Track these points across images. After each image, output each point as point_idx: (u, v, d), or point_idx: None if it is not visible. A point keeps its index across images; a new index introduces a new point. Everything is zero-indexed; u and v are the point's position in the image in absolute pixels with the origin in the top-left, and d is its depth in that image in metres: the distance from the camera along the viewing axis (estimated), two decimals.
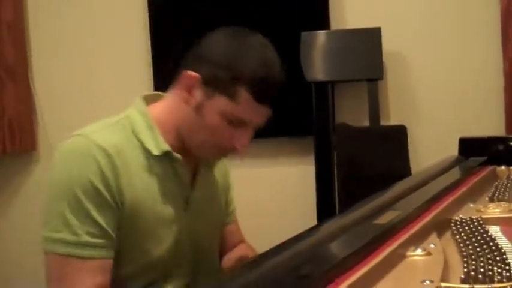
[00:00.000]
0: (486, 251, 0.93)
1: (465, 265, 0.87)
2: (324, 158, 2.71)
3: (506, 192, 1.43)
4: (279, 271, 0.75)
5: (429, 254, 0.95)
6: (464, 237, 1.03)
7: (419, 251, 0.95)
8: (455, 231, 1.08)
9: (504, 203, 1.29)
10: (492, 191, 1.45)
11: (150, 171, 1.27)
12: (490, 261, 0.87)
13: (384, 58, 2.75)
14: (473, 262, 0.88)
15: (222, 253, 1.50)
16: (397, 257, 0.92)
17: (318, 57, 2.76)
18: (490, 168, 1.73)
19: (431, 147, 2.74)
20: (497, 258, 0.89)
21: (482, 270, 0.83)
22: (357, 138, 2.64)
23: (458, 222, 1.14)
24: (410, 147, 2.66)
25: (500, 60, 2.83)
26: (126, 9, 3.22)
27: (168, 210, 1.30)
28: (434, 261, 0.91)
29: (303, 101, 2.77)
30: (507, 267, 0.84)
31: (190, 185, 1.35)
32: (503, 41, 2.82)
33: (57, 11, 3.31)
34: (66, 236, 1.18)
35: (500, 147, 1.74)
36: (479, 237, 1.01)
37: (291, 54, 2.72)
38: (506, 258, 0.89)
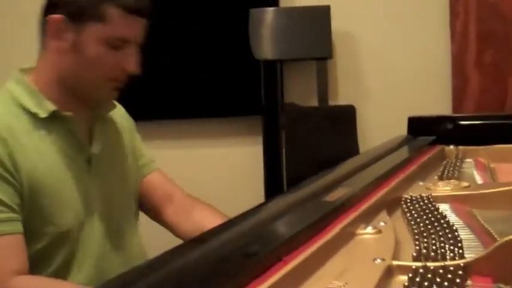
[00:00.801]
0: (437, 228, 0.91)
1: (416, 243, 0.84)
2: (272, 138, 2.67)
3: (456, 171, 1.41)
4: (225, 250, 0.70)
5: (379, 232, 0.91)
6: (415, 215, 1.00)
7: (369, 229, 0.92)
8: (405, 209, 1.06)
9: (454, 180, 1.27)
10: (441, 169, 1.44)
11: (41, 137, 1.23)
12: (441, 239, 0.84)
13: (334, 37, 2.72)
14: (425, 240, 0.85)
15: (153, 208, 1.46)
16: (347, 235, 0.88)
17: (266, 35, 2.71)
18: (438, 147, 1.72)
19: (380, 128, 2.73)
20: (449, 235, 0.86)
21: (434, 247, 0.81)
22: (306, 118, 2.61)
23: (408, 200, 1.11)
24: (358, 128, 2.65)
25: (448, 40, 2.84)
26: None
27: (68, 174, 1.25)
28: (385, 239, 0.88)
29: (251, 79, 2.72)
30: (459, 244, 0.81)
31: (89, 143, 1.30)
32: (451, 21, 2.83)
33: None
34: None
35: (449, 126, 1.73)
36: (429, 215, 0.99)
37: (240, 31, 2.66)
38: (458, 235, 0.87)
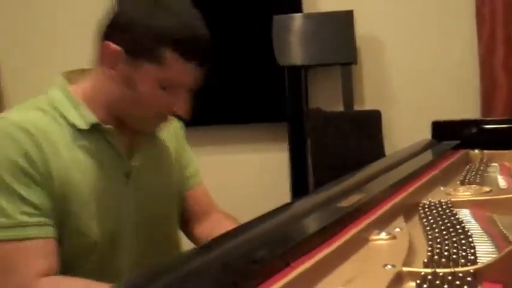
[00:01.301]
0: (452, 234, 0.89)
1: (429, 249, 0.83)
2: (298, 143, 2.67)
3: (478, 176, 1.39)
4: (231, 256, 0.70)
5: (394, 238, 0.90)
6: (431, 221, 0.99)
7: (383, 235, 0.91)
8: (422, 215, 1.04)
9: (475, 186, 1.25)
10: (463, 174, 1.42)
11: (79, 147, 1.22)
12: (455, 245, 0.83)
13: (358, 42, 2.71)
14: (438, 246, 0.84)
15: (188, 221, 1.44)
16: (359, 241, 0.88)
17: (290, 41, 2.71)
18: (463, 151, 1.70)
19: (405, 132, 2.70)
20: (463, 241, 0.85)
21: (446, 253, 0.80)
22: (331, 124, 2.60)
23: (426, 206, 1.10)
24: (384, 132, 2.63)
25: (475, 44, 2.81)
26: None
27: (104, 186, 1.23)
28: (398, 245, 0.87)
29: (276, 86, 2.72)
30: (472, 251, 0.80)
31: (128, 157, 1.28)
32: (478, 24, 2.80)
33: None
34: (1, 220, 1.12)
35: (473, 130, 1.71)
36: (446, 221, 0.98)
37: (264, 38, 2.67)
38: (472, 242, 0.85)
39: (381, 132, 2.59)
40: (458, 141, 1.72)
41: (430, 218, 1.01)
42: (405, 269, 0.75)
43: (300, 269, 0.69)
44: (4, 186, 1.14)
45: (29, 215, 1.14)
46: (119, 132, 1.26)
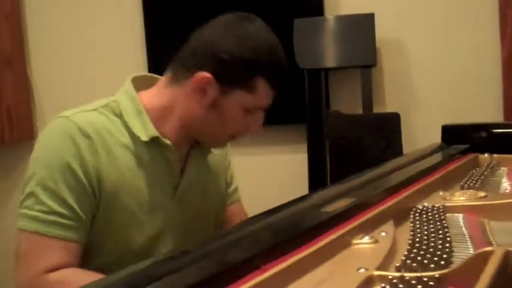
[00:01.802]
0: (432, 239, 0.92)
1: (406, 253, 0.86)
2: (317, 145, 2.69)
3: (480, 180, 1.40)
4: (204, 259, 0.74)
5: (376, 242, 0.93)
6: (418, 226, 1.01)
7: (366, 239, 0.93)
8: (411, 219, 1.07)
9: (472, 190, 1.26)
10: (466, 178, 1.43)
11: (136, 157, 1.26)
12: (430, 250, 0.85)
13: (379, 45, 2.72)
14: (415, 250, 0.86)
15: None
16: (341, 245, 0.91)
17: (311, 44, 2.73)
18: (472, 155, 1.70)
19: (425, 135, 2.70)
20: (440, 246, 0.87)
21: (419, 258, 0.82)
22: (350, 126, 2.62)
23: (418, 211, 1.12)
24: (404, 135, 2.63)
25: (497, 45, 2.79)
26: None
27: (153, 197, 1.28)
28: (378, 249, 0.89)
29: (295, 88, 2.75)
30: (445, 256, 0.82)
31: (181, 172, 1.34)
32: (501, 26, 2.77)
33: (53, 1, 3.31)
34: (37, 213, 1.19)
35: (483, 134, 1.71)
36: (431, 226, 1.00)
37: (285, 41, 2.69)
38: (450, 247, 0.87)
39: (400, 135, 2.59)
40: (467, 145, 1.72)
41: (417, 222, 1.03)
42: (376, 272, 0.78)
43: (271, 271, 0.73)
44: (51, 184, 1.19)
45: (62, 216, 1.19)
46: (176, 147, 1.31)
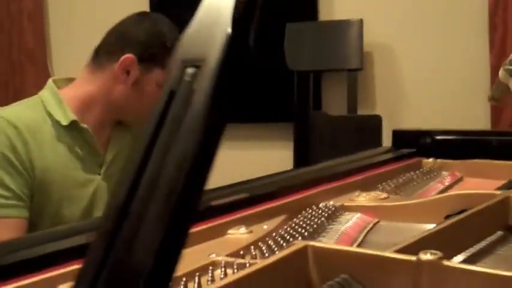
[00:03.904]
0: (292, 232, 1.04)
1: (259, 243, 0.98)
2: (302, 143, 2.82)
3: (398, 183, 1.50)
4: None
5: (250, 232, 1.06)
6: (297, 220, 1.13)
7: (242, 230, 1.06)
8: (299, 215, 1.18)
9: (376, 192, 1.37)
10: (388, 181, 1.53)
11: (60, 141, 1.46)
12: (279, 240, 0.98)
13: (367, 49, 2.82)
14: (270, 242, 0.99)
15: None
16: (215, 234, 1.04)
17: (301, 47, 2.86)
18: (416, 159, 1.80)
19: None
20: (289, 238, 0.99)
21: (263, 246, 0.95)
22: (334, 126, 2.73)
23: (310, 209, 1.22)
24: (386, 137, 2.73)
25: (486, 53, 2.84)
26: None
27: (79, 175, 1.48)
28: (244, 239, 1.02)
29: (284, 88, 2.88)
30: (276, 248, 0.94)
31: (105, 150, 1.54)
32: (490, 34, 2.83)
33: None
34: None
35: (428, 140, 1.80)
36: (308, 221, 1.11)
37: (277, 43, 2.83)
38: (289, 240, 0.99)
39: (380, 137, 2.69)
40: (413, 150, 1.82)
41: (301, 217, 1.15)
42: (220, 258, 0.91)
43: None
44: None
45: (6, 197, 1.39)
46: (98, 130, 1.51)
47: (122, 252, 0.33)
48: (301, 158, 2.81)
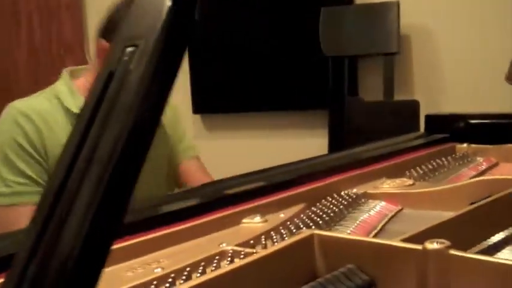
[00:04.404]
0: (307, 221, 1.01)
1: (272, 233, 0.96)
2: (338, 131, 2.77)
3: (428, 169, 1.46)
4: None
5: (265, 222, 1.04)
6: (312, 209, 1.11)
7: (257, 219, 1.04)
8: (319, 203, 1.15)
9: (403, 179, 1.33)
10: (418, 167, 1.48)
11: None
12: (293, 229, 0.96)
13: (404, 32, 2.75)
14: (283, 231, 0.97)
15: None
16: (230, 222, 1.02)
17: (336, 32, 2.80)
18: (449, 144, 1.74)
19: None
20: (304, 227, 0.97)
21: (275, 239, 0.93)
22: (370, 113, 2.68)
23: (335, 195, 1.20)
24: (424, 124, 2.66)
25: None
26: None
27: None
28: (258, 228, 1.00)
29: (318, 74, 2.84)
30: (288, 238, 0.92)
31: None
32: None
33: None
34: (3, 189, 1.40)
35: (461, 124, 1.74)
36: (326, 209, 1.09)
37: (310, 28, 2.79)
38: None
39: (418, 122, 2.62)
40: (447, 135, 1.76)
41: (319, 205, 1.13)
42: (231, 247, 0.89)
43: (134, 240, 0.87)
44: (8, 161, 1.43)
45: (25, 185, 1.42)
46: None
47: (53, 237, 0.31)
48: (336, 146, 2.77)
